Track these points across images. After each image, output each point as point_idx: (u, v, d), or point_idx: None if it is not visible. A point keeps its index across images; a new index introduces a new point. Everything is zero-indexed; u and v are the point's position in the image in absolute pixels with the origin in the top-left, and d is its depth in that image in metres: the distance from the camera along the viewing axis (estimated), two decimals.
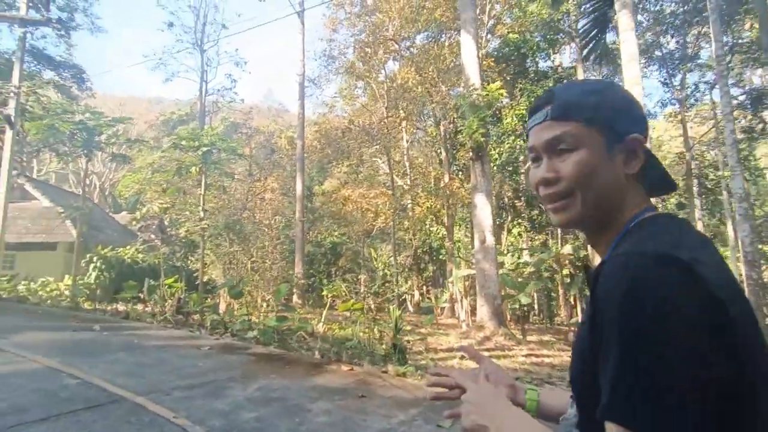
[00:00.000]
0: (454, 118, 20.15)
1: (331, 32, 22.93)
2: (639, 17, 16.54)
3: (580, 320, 0.76)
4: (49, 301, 10.63)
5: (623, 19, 9.23)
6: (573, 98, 0.69)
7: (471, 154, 13.70)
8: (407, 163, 23.14)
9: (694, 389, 0.48)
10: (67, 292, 12.14)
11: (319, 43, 37.52)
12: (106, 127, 10.58)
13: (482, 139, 13.23)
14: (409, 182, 22.71)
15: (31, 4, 11.64)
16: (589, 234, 0.72)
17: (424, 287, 22.24)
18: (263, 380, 3.84)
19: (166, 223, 15.11)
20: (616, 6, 9.39)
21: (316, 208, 27.35)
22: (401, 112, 21.32)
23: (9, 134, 11.23)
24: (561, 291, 13.30)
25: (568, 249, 13.75)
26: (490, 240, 12.32)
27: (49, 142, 10.97)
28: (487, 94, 13.94)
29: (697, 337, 0.50)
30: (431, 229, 23.71)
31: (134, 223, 12.45)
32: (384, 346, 8.20)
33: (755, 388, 0.51)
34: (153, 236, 15.66)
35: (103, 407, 2.97)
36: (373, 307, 12.56)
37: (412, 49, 21.63)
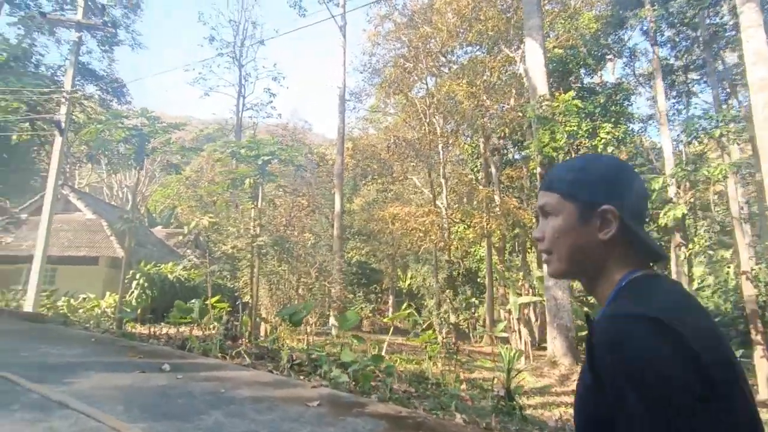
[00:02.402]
0: (505, 132, 18.98)
1: (374, 45, 22.18)
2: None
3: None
4: (91, 322, 9.60)
5: (748, 14, 7.99)
6: (557, 174, 0.84)
7: (540, 169, 12.55)
8: (443, 181, 21.96)
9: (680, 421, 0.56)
10: (108, 311, 11.12)
11: (355, 60, 37.02)
12: (161, 134, 9.65)
13: (554, 154, 12.09)
14: (445, 201, 21.49)
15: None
16: (583, 285, 0.82)
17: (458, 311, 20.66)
18: None
19: (202, 239, 14.11)
20: (738, 1, 8.17)
21: (347, 226, 26.28)
22: (439, 127, 20.30)
23: (58, 141, 10.40)
24: None
25: None
26: None
27: (99, 150, 10.09)
28: (557, 105, 12.85)
29: (680, 383, 0.58)
30: (469, 249, 22.35)
31: (181, 238, 11.55)
32: (457, 384, 6.86)
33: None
34: (189, 252, 14.75)
35: None
36: (445, 338, 11.21)
37: (455, 63, 20.68)
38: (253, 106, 26.15)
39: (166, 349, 6.16)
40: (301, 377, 5.66)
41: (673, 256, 11.60)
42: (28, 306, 9.57)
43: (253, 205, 10.80)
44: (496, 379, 6.13)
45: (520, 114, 17.22)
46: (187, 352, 5.99)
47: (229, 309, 10.86)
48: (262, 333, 11.67)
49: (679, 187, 11.91)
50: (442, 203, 20.47)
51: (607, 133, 17.96)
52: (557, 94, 12.92)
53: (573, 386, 9.13)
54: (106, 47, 25.53)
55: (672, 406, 0.56)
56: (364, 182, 29.60)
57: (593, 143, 18.78)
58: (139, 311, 11.26)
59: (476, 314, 21.35)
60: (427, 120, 20.71)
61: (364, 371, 4.96)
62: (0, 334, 6.34)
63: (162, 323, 10.75)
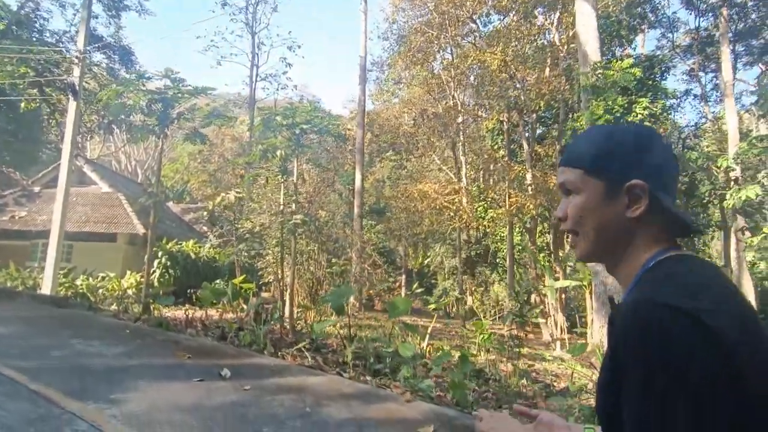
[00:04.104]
0: (539, 106, 17.81)
1: (395, 11, 20.72)
2: None
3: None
4: (114, 305, 8.83)
5: None
6: (577, 146, 0.75)
7: None
8: (463, 158, 20.88)
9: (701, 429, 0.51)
10: (130, 291, 10.34)
11: (376, 29, 35.02)
12: (187, 98, 8.62)
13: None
14: (464, 179, 20.45)
15: None
16: (606, 267, 0.75)
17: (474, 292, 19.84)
18: None
19: (216, 214, 13.22)
20: None
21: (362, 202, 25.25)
22: (459, 102, 19.10)
23: (72, 107, 9.36)
24: None
25: None
26: None
27: (117, 116, 9.08)
28: (613, 74, 11.75)
29: (704, 383, 0.52)
30: (488, 229, 21.42)
31: (205, 214, 10.71)
32: (517, 380, 6.07)
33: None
34: (206, 229, 13.95)
35: None
36: (508, 329, 10.45)
37: (479, 32, 19.29)
38: (267, 76, 24.86)
39: (212, 344, 5.33)
40: (368, 377, 4.88)
41: (733, 241, 10.68)
42: (46, 285, 8.75)
43: (283, 180, 9.85)
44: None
45: (556, 86, 16.05)
46: (237, 348, 5.16)
47: (255, 290, 10.12)
48: (287, 314, 11.01)
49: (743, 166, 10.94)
50: (462, 181, 19.51)
51: (644, 108, 16.80)
52: (614, 61, 11.76)
53: None
54: (113, 12, 24.11)
55: (697, 392, 0.52)
56: (379, 158, 28.48)
57: (629, 119, 17.57)
58: (161, 292, 10.50)
59: (490, 294, 20.62)
60: (450, 93, 19.52)
61: (458, 380, 4.13)
62: (23, 324, 5.48)
63: (187, 305, 10.01)
